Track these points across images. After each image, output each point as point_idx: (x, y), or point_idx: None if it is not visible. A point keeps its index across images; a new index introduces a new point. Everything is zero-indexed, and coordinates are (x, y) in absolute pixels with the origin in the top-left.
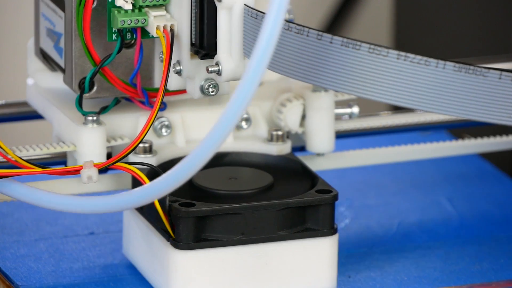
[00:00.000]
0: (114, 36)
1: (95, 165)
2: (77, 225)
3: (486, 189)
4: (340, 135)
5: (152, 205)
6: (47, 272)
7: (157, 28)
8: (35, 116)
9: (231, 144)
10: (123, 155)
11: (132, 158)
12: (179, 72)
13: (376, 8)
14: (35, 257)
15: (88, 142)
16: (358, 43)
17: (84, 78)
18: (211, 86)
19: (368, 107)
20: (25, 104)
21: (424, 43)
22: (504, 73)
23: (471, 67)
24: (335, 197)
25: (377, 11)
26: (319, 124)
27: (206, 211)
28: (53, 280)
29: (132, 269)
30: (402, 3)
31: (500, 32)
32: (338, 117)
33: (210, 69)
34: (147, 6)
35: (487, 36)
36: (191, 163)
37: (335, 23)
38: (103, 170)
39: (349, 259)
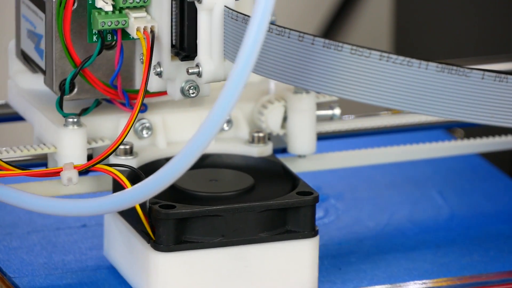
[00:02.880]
0: (94, 38)
1: (75, 167)
2: (69, 218)
3: (476, 182)
4: (322, 137)
5: (132, 207)
6: (39, 264)
7: (138, 29)
8: (16, 117)
9: (212, 145)
10: (103, 156)
11: (112, 159)
12: (159, 74)
13: (375, 8)
14: (27, 249)
15: (69, 144)
16: (340, 44)
17: (65, 79)
18: (191, 87)
19: (350, 109)
20: (6, 105)
21: (424, 43)
22: (486, 73)
23: (454, 67)
24: (316, 199)
25: (377, 11)
26: (300, 126)
27: (186, 213)
28: (45, 272)
29: None
30: (402, 3)
31: (500, 32)
32: (325, 119)
33: (190, 70)
34: (128, 7)
35: (487, 36)
36: (174, 169)
37: (334, 26)
38: (83, 172)
39: (339, 251)
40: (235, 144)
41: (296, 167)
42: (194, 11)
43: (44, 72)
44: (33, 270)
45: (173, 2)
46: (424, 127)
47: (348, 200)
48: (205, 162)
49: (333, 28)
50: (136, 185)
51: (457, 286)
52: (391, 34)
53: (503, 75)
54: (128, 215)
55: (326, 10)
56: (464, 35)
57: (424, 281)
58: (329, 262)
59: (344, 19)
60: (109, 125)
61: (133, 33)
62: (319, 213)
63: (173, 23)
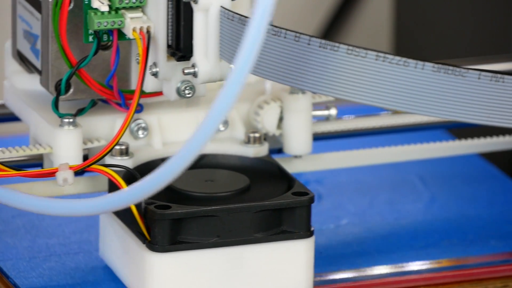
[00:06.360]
0: (90, 38)
1: (70, 167)
2: None
3: (456, 167)
4: (318, 137)
5: (127, 207)
6: (23, 248)
7: (134, 30)
8: (12, 118)
9: (208, 146)
10: (99, 157)
11: (108, 160)
12: (155, 74)
13: (375, 8)
14: (11, 232)
15: (64, 144)
16: (337, 44)
17: (61, 80)
18: (187, 88)
19: (347, 109)
20: (2, 106)
21: (424, 43)
22: (483, 73)
23: (450, 67)
24: (312, 200)
25: (377, 11)
26: (296, 126)
27: (181, 214)
28: (29, 255)
29: None
30: (402, 3)
31: (500, 32)
32: (321, 119)
33: (186, 71)
34: (124, 8)
35: (487, 36)
36: (170, 169)
37: (334, 26)
38: (79, 172)
39: (319, 235)
40: (231, 144)
41: (292, 167)
42: (190, 11)
43: (40, 72)
44: (17, 253)
45: (169, 2)
46: (424, 127)
47: (328, 184)
48: (201, 163)
49: (333, 28)
50: (132, 185)
51: (435, 269)
52: (391, 34)
53: (499, 75)
54: (124, 215)
55: (325, 10)
56: (464, 35)
57: (402, 264)
58: None
59: (344, 19)
60: (105, 125)
61: (129, 34)
62: None
63: (169, 24)
